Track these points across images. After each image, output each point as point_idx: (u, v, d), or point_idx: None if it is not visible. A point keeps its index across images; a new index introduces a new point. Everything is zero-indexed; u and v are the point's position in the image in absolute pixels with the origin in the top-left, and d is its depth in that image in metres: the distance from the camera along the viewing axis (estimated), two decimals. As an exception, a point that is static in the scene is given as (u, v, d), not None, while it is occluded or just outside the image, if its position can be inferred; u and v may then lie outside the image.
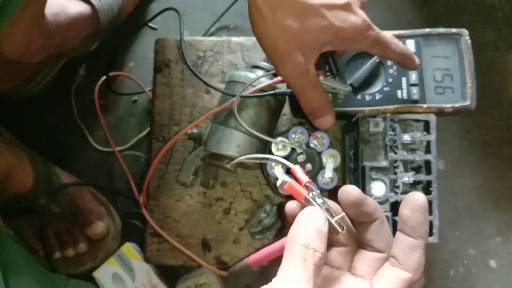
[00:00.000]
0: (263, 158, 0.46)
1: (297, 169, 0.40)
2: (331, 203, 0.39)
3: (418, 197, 0.37)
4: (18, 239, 0.61)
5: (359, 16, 0.42)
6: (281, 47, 0.41)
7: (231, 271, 0.52)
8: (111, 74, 0.70)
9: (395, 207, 0.46)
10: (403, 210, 0.37)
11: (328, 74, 0.50)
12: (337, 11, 0.41)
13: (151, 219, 0.58)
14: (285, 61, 0.42)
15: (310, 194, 0.37)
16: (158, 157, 0.57)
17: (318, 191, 0.38)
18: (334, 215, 0.36)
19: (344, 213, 0.37)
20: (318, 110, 0.46)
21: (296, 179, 0.39)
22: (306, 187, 0.38)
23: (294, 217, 0.36)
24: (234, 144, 0.49)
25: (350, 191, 0.37)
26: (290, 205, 0.39)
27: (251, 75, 0.51)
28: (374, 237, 0.38)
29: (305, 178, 0.39)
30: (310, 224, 0.34)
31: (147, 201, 0.59)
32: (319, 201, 0.37)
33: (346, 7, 0.42)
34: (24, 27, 0.54)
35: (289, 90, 0.50)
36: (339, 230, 0.35)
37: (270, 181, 0.53)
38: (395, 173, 0.47)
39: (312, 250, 0.33)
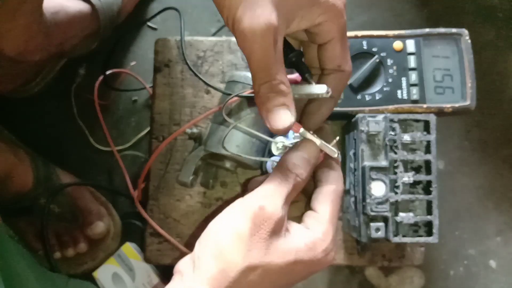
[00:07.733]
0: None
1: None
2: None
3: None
4: (18, 239, 0.61)
5: None
6: None
7: None
8: (110, 71, 0.70)
9: (395, 207, 0.46)
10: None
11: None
12: None
13: (151, 218, 0.58)
14: (252, 16, 0.29)
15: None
16: (155, 154, 0.56)
17: None
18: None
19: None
20: (275, 97, 0.33)
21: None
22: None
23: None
24: (234, 144, 0.49)
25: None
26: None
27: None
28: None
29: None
30: (300, 154, 0.36)
31: (148, 201, 0.59)
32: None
33: None
34: (23, 24, 0.54)
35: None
36: (335, 151, 0.37)
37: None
38: (395, 173, 0.47)
39: (294, 174, 0.34)
